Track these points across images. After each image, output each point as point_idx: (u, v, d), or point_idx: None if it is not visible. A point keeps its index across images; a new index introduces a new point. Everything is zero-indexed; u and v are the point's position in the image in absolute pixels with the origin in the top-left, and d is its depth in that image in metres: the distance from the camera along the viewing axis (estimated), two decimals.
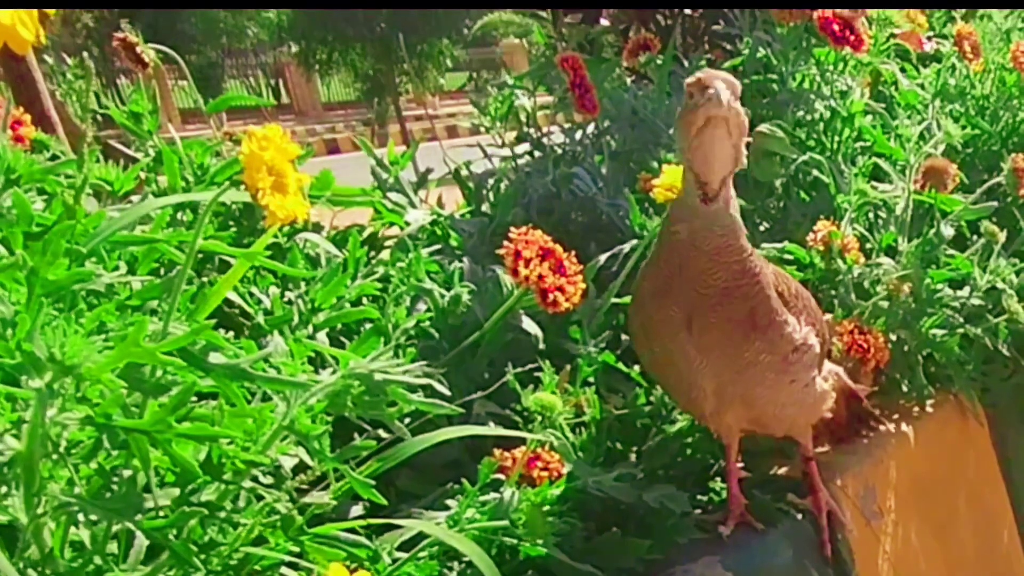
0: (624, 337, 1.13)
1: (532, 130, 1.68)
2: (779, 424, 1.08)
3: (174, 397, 0.67)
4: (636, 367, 1.11)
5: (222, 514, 0.69)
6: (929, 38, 1.96)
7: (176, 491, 0.68)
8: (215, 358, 0.72)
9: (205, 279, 1.03)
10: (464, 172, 1.55)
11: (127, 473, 0.67)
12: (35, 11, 0.66)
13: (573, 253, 1.04)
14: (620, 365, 1.12)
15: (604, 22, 2.17)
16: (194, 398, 0.71)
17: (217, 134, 1.36)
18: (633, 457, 1.05)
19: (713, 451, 1.11)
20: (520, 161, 1.63)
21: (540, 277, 1.01)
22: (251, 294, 1.04)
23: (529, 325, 1.10)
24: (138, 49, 1.34)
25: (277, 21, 15.00)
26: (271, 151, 0.73)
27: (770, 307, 0.97)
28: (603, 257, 1.22)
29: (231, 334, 0.86)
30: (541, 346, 1.09)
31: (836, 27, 1.55)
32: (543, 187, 1.47)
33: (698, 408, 1.03)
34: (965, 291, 1.42)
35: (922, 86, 1.75)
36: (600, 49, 2.16)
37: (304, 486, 0.76)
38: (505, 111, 1.69)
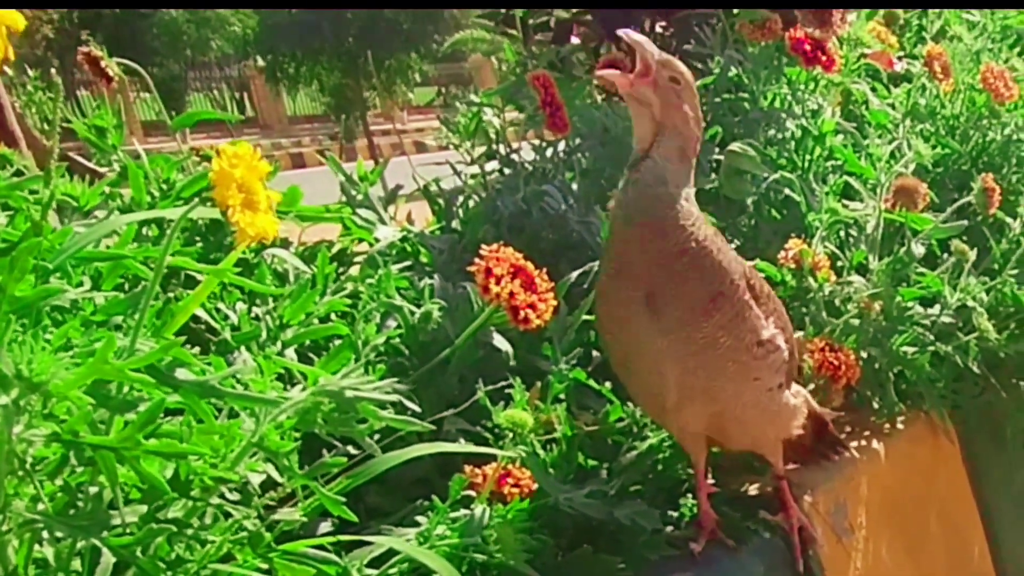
0: (596, 354, 1.15)
1: (501, 147, 1.70)
2: (741, 430, 1.08)
3: (142, 414, 0.68)
4: (607, 384, 1.12)
5: (190, 531, 0.70)
6: (900, 58, 2.00)
7: (143, 508, 0.69)
8: (183, 374, 0.73)
9: (171, 295, 1.04)
10: (434, 188, 1.57)
11: (93, 490, 0.68)
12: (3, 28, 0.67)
13: (544, 270, 1.06)
14: (591, 382, 1.13)
15: (574, 40, 2.20)
16: (161, 415, 0.71)
17: (182, 147, 1.37)
18: (604, 474, 1.06)
19: (684, 468, 1.13)
20: (490, 178, 1.65)
21: (511, 294, 1.02)
22: (218, 310, 1.05)
23: (500, 342, 1.12)
24: (102, 63, 1.35)
25: (243, 34, 14.98)
26: (241, 169, 0.74)
27: (725, 279, 0.99)
28: (574, 274, 1.24)
29: (197, 350, 0.87)
30: (512, 363, 1.11)
31: (807, 47, 1.58)
32: (514, 204, 1.48)
33: (661, 403, 1.03)
34: (935, 309, 1.45)
35: (892, 106, 1.80)
36: (570, 67, 2.19)
37: (273, 503, 0.76)
38: (474, 128, 1.72)
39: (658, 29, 2.10)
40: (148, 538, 0.68)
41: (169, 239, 0.76)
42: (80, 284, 0.92)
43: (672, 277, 0.97)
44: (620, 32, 1.02)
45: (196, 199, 0.78)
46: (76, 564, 0.69)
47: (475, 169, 1.67)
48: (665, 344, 0.98)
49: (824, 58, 1.59)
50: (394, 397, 0.80)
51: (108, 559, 0.67)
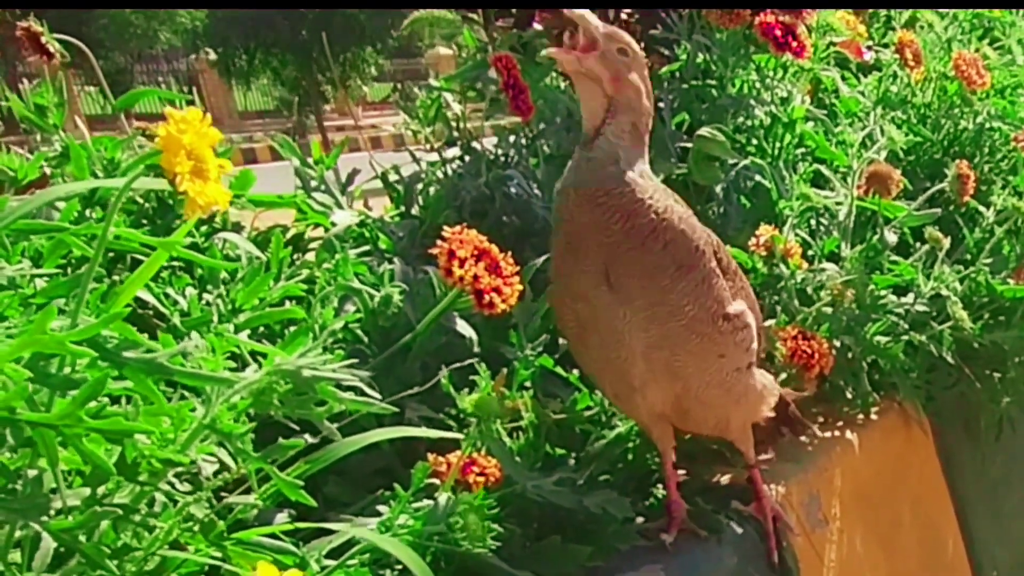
0: (562, 341, 1.14)
1: (461, 134, 1.69)
2: (705, 411, 1.07)
3: (84, 389, 0.66)
4: (575, 371, 1.12)
5: (137, 517, 0.68)
6: (869, 47, 2.03)
7: (86, 491, 0.67)
8: (129, 353, 0.71)
9: (116, 278, 1.02)
10: (392, 176, 1.55)
11: (32, 472, 0.66)
12: None
13: (509, 254, 1.05)
14: (558, 369, 1.13)
15: (537, 26, 2.19)
16: (107, 400, 0.69)
17: (128, 131, 1.34)
18: (572, 462, 1.06)
19: (654, 457, 1.13)
20: (451, 165, 1.64)
21: (475, 278, 1.01)
22: (166, 295, 1.03)
23: (464, 327, 1.11)
24: (43, 40, 1.32)
25: (191, 27, 14.84)
26: (190, 135, 0.72)
27: (690, 247, 0.98)
28: (540, 260, 1.23)
29: (145, 337, 0.85)
30: (476, 350, 1.10)
31: (777, 32, 1.59)
32: (476, 189, 1.48)
33: (626, 382, 1.02)
34: (909, 298, 1.46)
35: (863, 93, 1.81)
36: (533, 52, 2.18)
37: (226, 489, 0.75)
38: (434, 114, 1.70)
39: (624, 15, 2.10)
40: (92, 523, 0.66)
41: (113, 208, 0.74)
42: (18, 262, 0.90)
43: (632, 249, 0.96)
44: (566, 12, 1.01)
45: (142, 168, 0.76)
46: (15, 555, 0.67)
47: (434, 157, 1.66)
48: (627, 314, 0.97)
49: (795, 44, 1.60)
50: (354, 381, 0.79)
51: (49, 545, 0.65)
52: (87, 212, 1.12)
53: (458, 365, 1.00)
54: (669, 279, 0.97)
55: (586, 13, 0.98)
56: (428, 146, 1.70)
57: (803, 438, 1.32)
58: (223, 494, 0.78)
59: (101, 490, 0.69)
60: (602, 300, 0.98)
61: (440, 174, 1.60)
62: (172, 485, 0.75)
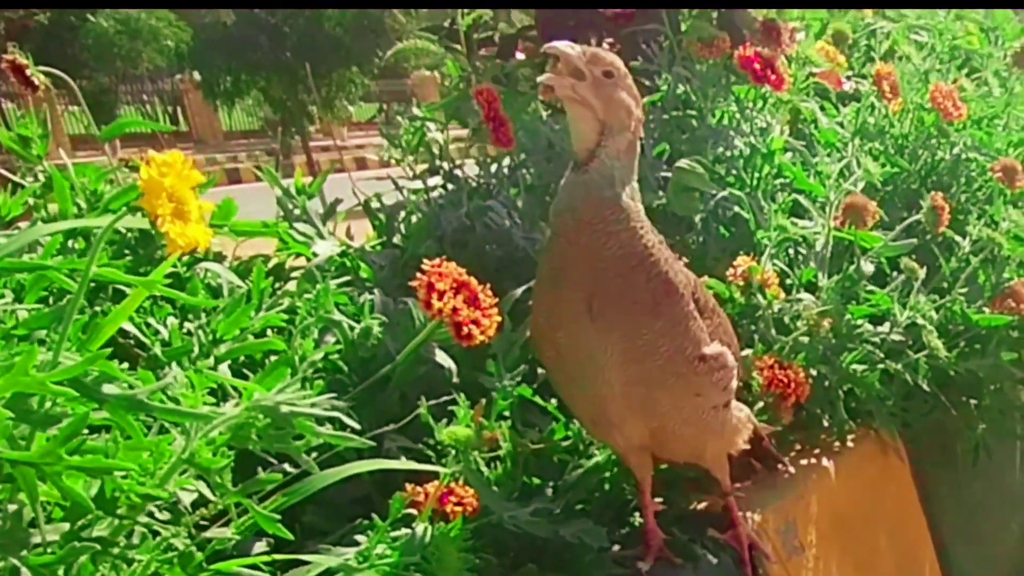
0: (541, 371, 1.16)
1: (445, 163, 1.71)
2: (679, 444, 1.09)
3: (65, 428, 0.67)
4: (553, 400, 1.13)
5: (115, 550, 0.69)
6: (848, 77, 2.06)
7: (65, 526, 0.68)
8: (109, 389, 0.72)
9: (98, 309, 1.03)
10: (375, 204, 1.57)
11: (12, 507, 0.67)
12: None
13: (488, 286, 1.07)
14: (537, 399, 1.14)
15: (519, 55, 2.22)
16: (88, 432, 0.71)
17: (111, 161, 1.36)
18: (550, 492, 1.07)
19: (631, 485, 1.14)
20: (433, 194, 1.66)
21: (454, 310, 1.03)
22: (148, 325, 1.04)
23: (443, 358, 1.12)
24: (27, 72, 1.34)
25: (176, 47, 14.86)
26: (172, 177, 0.75)
27: (671, 288, 1.00)
28: (519, 291, 1.25)
29: (126, 366, 0.86)
30: (455, 380, 1.11)
31: (757, 65, 1.62)
32: (457, 220, 1.50)
33: (604, 415, 1.04)
34: (885, 327, 1.48)
35: (841, 124, 1.84)
36: (515, 83, 2.21)
37: (204, 522, 0.76)
38: (416, 143, 1.73)
39: (605, 45, 2.13)
40: (71, 557, 0.67)
41: (95, 249, 0.76)
42: (1, 297, 0.91)
43: (615, 279, 0.98)
44: (545, 47, 1.03)
45: (124, 209, 0.78)
46: None
47: (418, 184, 1.68)
48: (607, 348, 0.99)
49: (773, 77, 1.63)
50: (333, 413, 0.81)
51: None
52: (69, 243, 1.13)
53: (436, 401, 1.01)
54: (646, 315, 0.99)
55: (562, 45, 0.99)
56: (411, 173, 1.72)
57: (780, 465, 1.34)
58: (203, 523, 0.80)
59: (80, 523, 0.70)
60: (583, 329, 0.99)
61: (422, 203, 1.62)
62: (152, 516, 0.76)
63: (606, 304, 0.98)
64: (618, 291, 0.98)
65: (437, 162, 1.71)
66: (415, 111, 1.81)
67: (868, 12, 2.42)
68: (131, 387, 0.76)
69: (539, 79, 1.02)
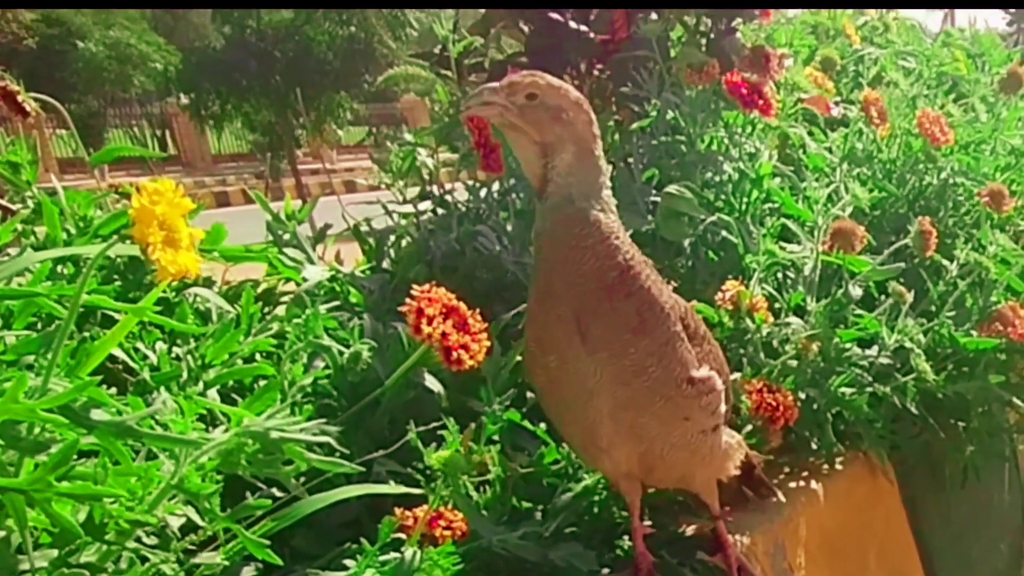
0: (530, 395, 1.17)
1: (435, 187, 1.72)
2: (668, 470, 1.09)
3: (54, 455, 0.68)
4: (542, 425, 1.14)
5: None
6: (837, 103, 2.09)
7: (54, 552, 0.68)
8: (98, 415, 0.73)
9: (87, 334, 1.04)
10: (364, 228, 1.58)
11: (1, 533, 0.67)
12: None
13: (477, 311, 1.08)
14: (526, 423, 1.15)
15: None
16: (76, 457, 0.71)
17: (100, 185, 1.37)
18: (539, 515, 1.08)
19: (621, 509, 1.15)
20: (423, 218, 1.67)
21: (444, 335, 1.04)
22: (136, 350, 1.05)
23: (432, 383, 1.13)
24: (19, 98, 1.35)
25: (164, 71, 14.91)
26: (163, 205, 0.76)
27: (655, 305, 1.01)
28: (509, 315, 1.26)
29: (114, 391, 0.87)
30: (445, 404, 1.12)
31: (745, 91, 1.64)
32: (447, 244, 1.51)
33: (594, 441, 1.04)
34: (873, 350, 1.50)
35: (830, 150, 1.87)
36: None
37: (193, 547, 0.76)
38: (406, 167, 1.74)
39: (595, 72, 2.15)
40: None
41: (85, 276, 0.77)
42: None
43: (598, 291, 0.99)
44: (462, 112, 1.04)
45: (115, 236, 0.79)
46: None
47: (408, 208, 1.69)
48: (596, 371, 1.00)
49: (761, 102, 1.65)
50: (322, 438, 0.81)
51: None
52: (59, 268, 1.14)
53: (425, 428, 1.02)
54: (631, 332, 1.00)
55: (473, 103, 1.01)
56: (401, 198, 1.74)
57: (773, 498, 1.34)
58: (192, 547, 0.80)
59: (69, 549, 0.70)
60: (574, 352, 1.00)
61: (412, 228, 1.63)
62: (140, 541, 0.77)
63: (593, 320, 0.99)
64: (602, 304, 0.99)
65: (428, 187, 1.72)
66: (405, 135, 1.83)
67: (856, 39, 2.46)
68: (120, 413, 0.77)
69: (465, 113, 1.03)
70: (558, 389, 1.04)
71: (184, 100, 14.41)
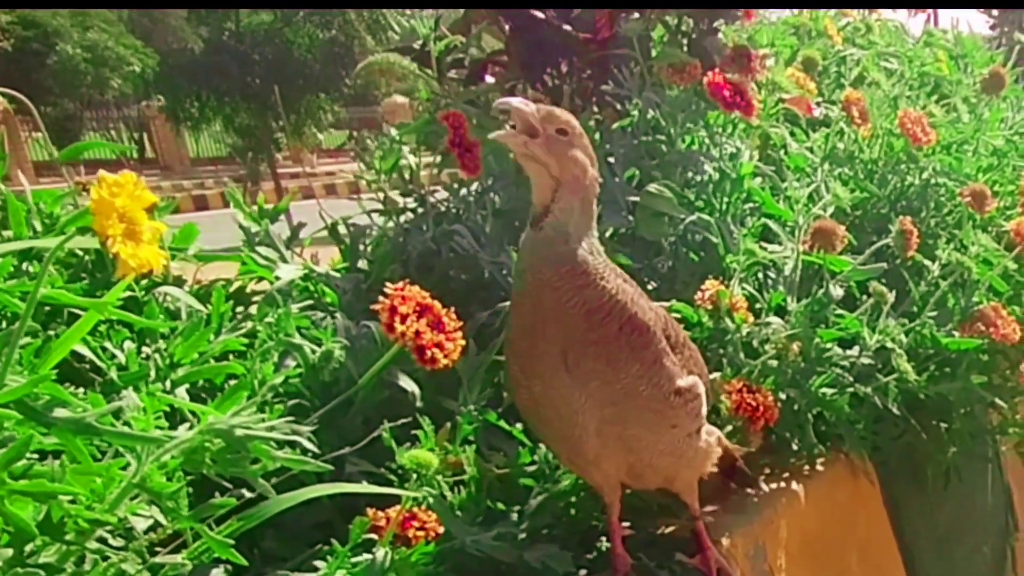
0: (506, 395, 1.16)
1: (415, 187, 1.71)
2: (654, 474, 1.10)
3: (7, 451, 0.67)
4: (519, 425, 1.13)
5: None
6: (818, 103, 2.09)
7: (9, 552, 0.67)
8: (59, 412, 0.71)
9: (52, 332, 1.02)
10: (342, 228, 1.57)
11: None
12: None
13: (452, 309, 1.07)
14: (502, 423, 1.14)
15: (489, 79, 2.23)
16: (37, 456, 0.70)
17: (71, 183, 1.35)
18: (515, 516, 1.07)
19: (598, 510, 1.14)
20: (400, 218, 1.66)
21: (417, 333, 1.03)
22: (104, 349, 1.04)
23: (406, 383, 1.12)
24: None
25: (142, 73, 14.86)
26: (123, 197, 0.74)
27: (643, 329, 1.01)
28: (485, 314, 1.25)
29: (81, 390, 0.85)
30: (419, 404, 1.11)
31: (726, 92, 1.64)
32: (423, 244, 1.50)
33: (580, 454, 1.05)
34: (854, 351, 1.49)
35: (811, 150, 1.87)
36: (486, 107, 2.22)
37: (160, 548, 0.75)
38: (391, 165, 1.73)
39: (576, 71, 2.15)
40: None
41: (43, 268, 0.75)
42: None
43: (587, 332, 0.99)
44: (495, 103, 1.03)
45: (75, 230, 0.78)
46: None
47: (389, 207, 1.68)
48: (583, 397, 1.00)
49: (743, 103, 1.65)
50: (292, 437, 0.80)
51: None
52: (25, 267, 1.12)
53: (400, 422, 1.01)
54: (624, 362, 1.00)
55: (516, 102, 0.99)
56: (382, 195, 1.72)
57: (749, 489, 1.34)
58: (157, 548, 0.79)
59: (28, 548, 0.69)
60: (559, 380, 1.00)
61: (389, 227, 1.62)
62: (104, 541, 0.75)
63: (581, 357, 0.99)
64: (591, 343, 0.99)
65: (409, 185, 1.71)
66: (393, 131, 1.81)
67: (838, 40, 2.46)
68: (82, 411, 0.75)
69: (490, 136, 1.02)
70: (543, 409, 1.04)
71: (162, 102, 14.35)
